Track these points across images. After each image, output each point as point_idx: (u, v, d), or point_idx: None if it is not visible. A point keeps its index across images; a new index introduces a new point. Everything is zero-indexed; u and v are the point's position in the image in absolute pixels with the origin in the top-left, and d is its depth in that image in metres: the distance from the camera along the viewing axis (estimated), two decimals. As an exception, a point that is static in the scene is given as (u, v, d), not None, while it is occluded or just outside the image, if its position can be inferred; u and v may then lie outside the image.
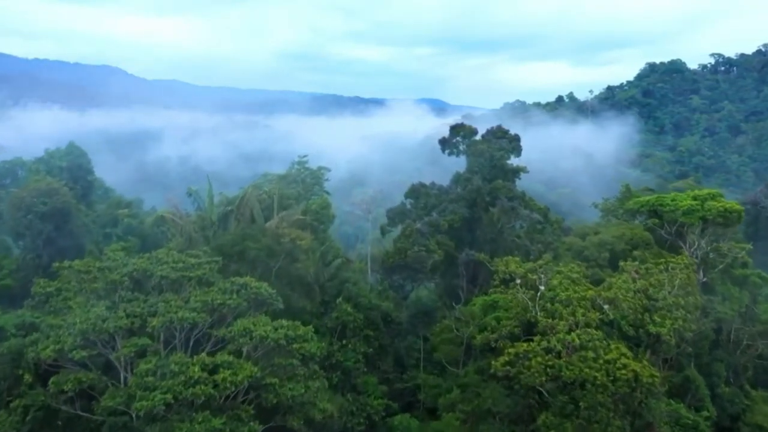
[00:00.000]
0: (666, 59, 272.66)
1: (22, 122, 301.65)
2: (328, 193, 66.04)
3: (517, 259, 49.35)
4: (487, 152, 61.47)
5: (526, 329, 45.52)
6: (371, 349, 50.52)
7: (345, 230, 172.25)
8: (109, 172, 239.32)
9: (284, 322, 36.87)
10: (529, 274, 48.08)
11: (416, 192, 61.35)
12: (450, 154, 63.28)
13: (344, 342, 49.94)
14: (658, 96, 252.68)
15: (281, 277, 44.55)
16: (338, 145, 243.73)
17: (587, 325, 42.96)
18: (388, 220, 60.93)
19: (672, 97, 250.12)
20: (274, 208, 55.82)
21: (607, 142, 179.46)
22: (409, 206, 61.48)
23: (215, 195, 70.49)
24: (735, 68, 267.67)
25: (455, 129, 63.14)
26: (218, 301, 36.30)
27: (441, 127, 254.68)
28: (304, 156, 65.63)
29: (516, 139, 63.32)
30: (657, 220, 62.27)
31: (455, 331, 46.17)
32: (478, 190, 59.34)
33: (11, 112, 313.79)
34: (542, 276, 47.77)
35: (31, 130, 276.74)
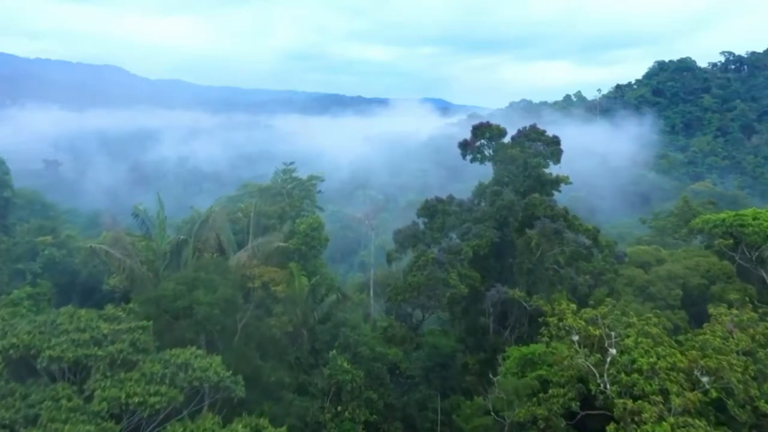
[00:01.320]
0: (669, 58, 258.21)
1: (23, 122, 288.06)
2: (320, 209, 51.86)
3: (573, 306, 35.06)
4: (520, 158, 47.16)
5: (585, 400, 31.66)
6: (374, 416, 37.01)
7: (346, 235, 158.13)
8: (106, 172, 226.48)
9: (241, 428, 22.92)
10: (591, 328, 33.83)
11: (431, 209, 47.04)
12: (473, 160, 48.93)
13: (339, 408, 36.37)
14: (668, 95, 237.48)
15: (249, 338, 30.73)
16: (340, 146, 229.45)
17: (686, 410, 28.79)
18: (396, 244, 46.67)
19: (683, 96, 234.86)
20: (249, 231, 41.76)
21: (621, 143, 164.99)
22: (422, 226, 47.22)
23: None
24: (746, 66, 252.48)
25: (479, 129, 48.76)
26: (137, 399, 22.23)
27: (446, 126, 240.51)
28: (291, 163, 51.34)
29: (555, 141, 48.96)
30: (729, 241, 47.96)
31: (492, 413, 31.89)
32: (510, 207, 45.00)
33: (12, 112, 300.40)
34: (610, 332, 33.54)
35: (32, 131, 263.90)
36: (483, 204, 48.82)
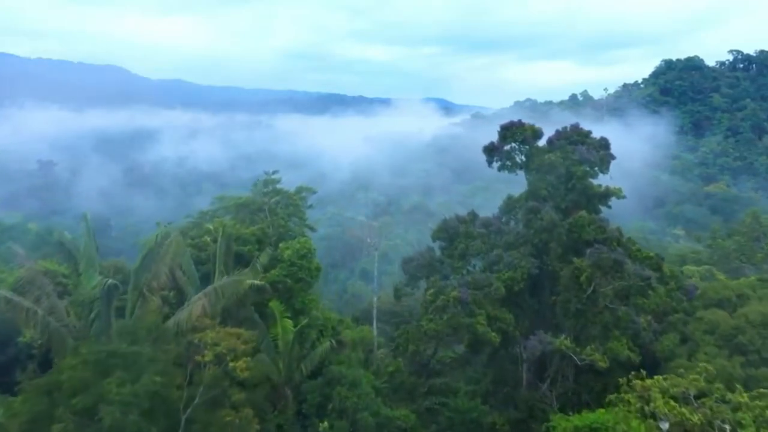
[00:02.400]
0: (670, 58, 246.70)
1: (22, 122, 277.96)
2: (311, 228, 41.04)
3: (660, 382, 24.47)
4: (561, 166, 36.37)
5: None
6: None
7: (347, 241, 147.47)
8: (103, 173, 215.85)
9: None
10: (686, 411, 23.28)
11: (449, 231, 36.23)
12: (502, 168, 38.12)
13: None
14: (676, 94, 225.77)
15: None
16: (341, 146, 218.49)
17: None
18: (407, 276, 35.89)
19: (691, 96, 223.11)
20: (216, 263, 31.14)
21: (632, 143, 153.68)
22: (438, 253, 36.46)
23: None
24: (754, 65, 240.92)
25: (509, 130, 37.91)
26: None
27: (449, 126, 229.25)
28: (274, 172, 40.33)
29: (603, 145, 38.20)
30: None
31: None
32: (552, 229, 34.25)
33: (12, 112, 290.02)
34: (714, 419, 23.08)
35: (31, 131, 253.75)
36: (514, 223, 38.12)
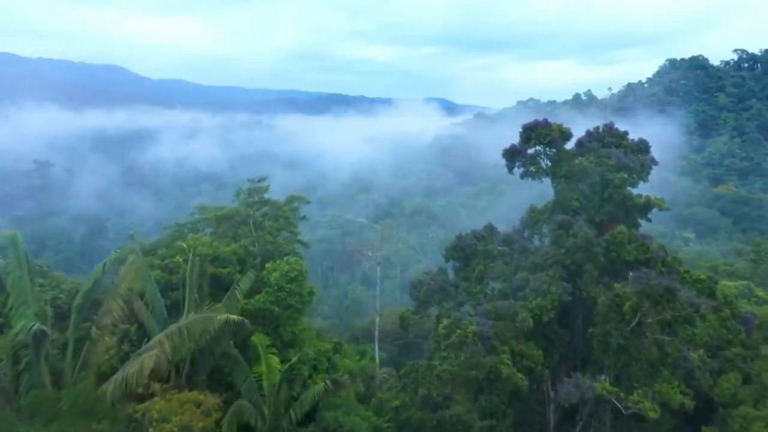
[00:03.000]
0: (670, 58, 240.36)
1: (22, 122, 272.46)
2: (304, 244, 35.17)
3: None
4: (595, 173, 30.53)
5: None
6: None
7: (348, 242, 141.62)
8: (101, 174, 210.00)
9: None
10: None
11: (465, 249, 30.36)
12: (525, 174, 32.28)
13: None
14: (681, 94, 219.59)
15: None
16: (342, 146, 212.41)
17: None
18: (415, 302, 30.07)
19: (696, 95, 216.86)
20: (186, 291, 25.39)
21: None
22: (451, 276, 30.64)
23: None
24: (759, 65, 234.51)
25: (534, 131, 32.04)
26: None
27: (451, 126, 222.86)
28: (260, 179, 34.30)
29: (641, 148, 32.38)
30: None
31: None
32: (588, 248, 28.42)
33: (12, 112, 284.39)
34: None
35: (31, 131, 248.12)
36: (538, 239, 32.33)
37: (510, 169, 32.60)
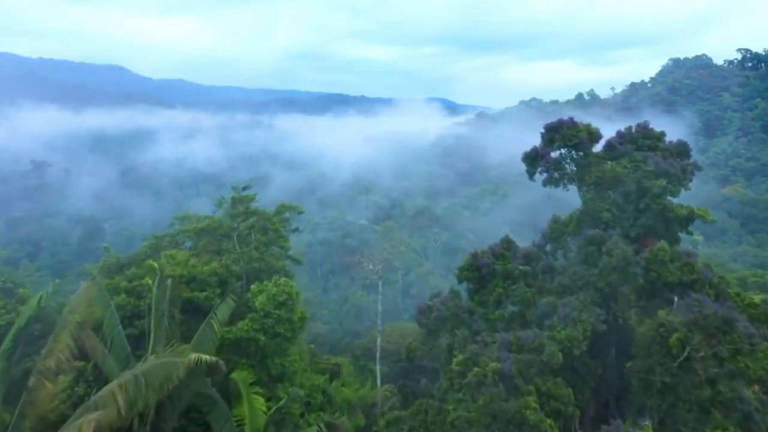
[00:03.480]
0: (671, 58, 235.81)
1: (22, 122, 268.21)
2: (296, 261, 30.59)
3: None
4: (629, 180, 26.12)
5: None
6: None
7: (348, 244, 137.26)
8: (99, 174, 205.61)
9: None
10: None
11: (481, 269, 25.97)
12: (549, 181, 27.88)
13: None
14: (685, 93, 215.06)
15: None
16: (343, 146, 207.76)
17: None
18: (426, 331, 25.69)
19: (700, 95, 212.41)
20: (151, 322, 21.06)
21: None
22: (465, 299, 26.26)
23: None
24: (763, 64, 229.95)
25: (557, 131, 27.66)
26: None
27: (453, 126, 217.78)
28: (245, 185, 29.83)
29: (681, 151, 27.98)
30: None
31: None
32: (624, 268, 24.03)
33: (11, 112, 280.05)
34: None
35: (31, 131, 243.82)
36: (562, 255, 27.94)
37: (531, 175, 28.22)
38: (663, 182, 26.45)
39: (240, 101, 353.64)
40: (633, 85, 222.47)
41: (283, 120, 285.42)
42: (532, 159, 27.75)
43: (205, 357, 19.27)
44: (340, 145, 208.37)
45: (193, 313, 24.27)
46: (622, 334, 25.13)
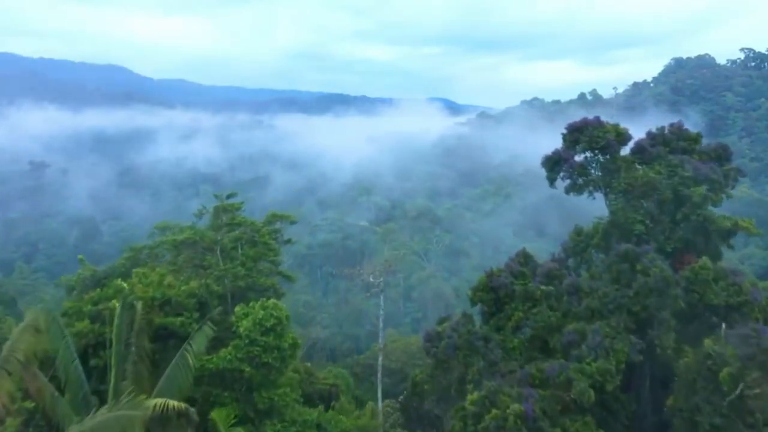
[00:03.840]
0: (673, 57, 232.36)
1: (22, 122, 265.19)
2: (288, 277, 27.15)
3: None
4: (665, 188, 22.70)
5: None
6: None
7: (349, 245, 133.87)
8: (98, 174, 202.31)
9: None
10: None
11: (497, 290, 22.56)
12: (572, 188, 24.48)
13: None
14: (688, 93, 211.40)
15: None
16: (344, 146, 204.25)
17: None
18: (434, 361, 22.25)
19: (703, 95, 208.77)
20: (112, 356, 17.75)
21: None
22: (479, 323, 22.87)
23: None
24: (766, 63, 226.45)
25: (582, 132, 24.25)
26: None
27: (454, 126, 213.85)
28: (229, 195, 26.47)
29: (722, 155, 24.56)
30: None
31: None
32: (664, 290, 20.63)
33: (11, 112, 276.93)
34: None
35: (30, 131, 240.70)
36: (585, 270, 24.56)
37: (552, 182, 24.80)
38: (703, 189, 23.05)
39: (240, 101, 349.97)
40: (636, 84, 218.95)
41: (283, 120, 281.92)
42: (553, 163, 24.35)
43: (173, 403, 15.94)
44: (340, 146, 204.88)
45: (167, 341, 20.94)
46: (659, 364, 21.76)
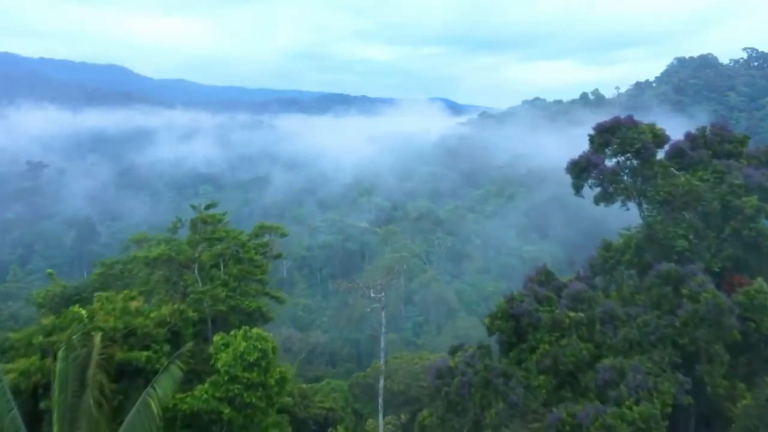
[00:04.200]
0: (674, 57, 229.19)
1: (22, 123, 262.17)
2: (277, 298, 23.97)
3: None
4: (711, 199, 19.32)
5: None
6: None
7: (349, 247, 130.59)
8: (97, 175, 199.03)
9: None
10: None
11: (519, 318, 19.23)
12: (602, 197, 21.12)
13: None
14: (691, 93, 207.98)
15: None
16: (344, 146, 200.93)
17: None
18: (443, 402, 18.88)
19: (706, 94, 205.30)
20: (55, 412, 14.53)
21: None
22: (498, 357, 19.54)
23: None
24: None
25: (613, 133, 20.92)
26: None
27: (456, 126, 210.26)
28: (209, 205, 23.24)
29: (773, 158, 21.11)
30: None
31: None
32: (717, 319, 17.27)
33: (10, 112, 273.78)
34: None
35: (30, 131, 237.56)
36: (615, 290, 21.22)
37: (578, 189, 21.47)
38: (755, 200, 19.73)
39: (240, 101, 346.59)
40: (638, 84, 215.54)
41: (283, 120, 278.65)
42: (581, 169, 20.98)
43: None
44: (341, 146, 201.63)
45: (134, 378, 17.67)
46: (706, 405, 18.44)
